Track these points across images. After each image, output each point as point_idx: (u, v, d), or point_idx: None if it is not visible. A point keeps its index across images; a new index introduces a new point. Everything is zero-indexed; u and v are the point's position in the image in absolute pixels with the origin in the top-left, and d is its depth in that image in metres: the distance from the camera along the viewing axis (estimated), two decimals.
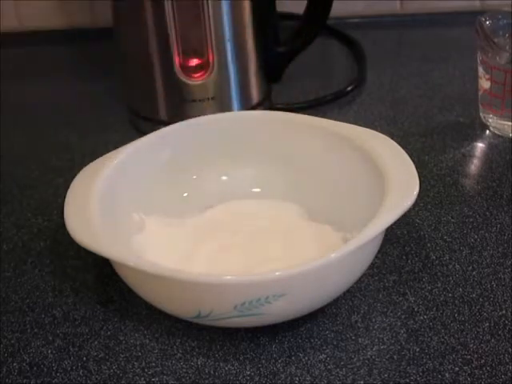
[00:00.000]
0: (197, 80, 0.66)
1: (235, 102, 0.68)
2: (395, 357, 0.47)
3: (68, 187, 0.51)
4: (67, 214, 0.48)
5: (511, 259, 0.53)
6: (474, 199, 0.60)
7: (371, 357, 0.47)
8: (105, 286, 0.53)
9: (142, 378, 0.46)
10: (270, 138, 0.57)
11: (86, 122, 0.73)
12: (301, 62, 0.72)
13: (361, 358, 0.47)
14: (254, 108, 0.69)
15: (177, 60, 0.65)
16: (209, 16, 0.63)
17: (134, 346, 0.48)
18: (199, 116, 0.58)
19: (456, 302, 0.50)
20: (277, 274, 0.43)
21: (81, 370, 0.47)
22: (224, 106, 0.67)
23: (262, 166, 0.58)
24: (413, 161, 0.50)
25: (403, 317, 0.49)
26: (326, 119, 0.57)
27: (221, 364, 0.47)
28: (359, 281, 0.51)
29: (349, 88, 0.74)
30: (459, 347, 0.47)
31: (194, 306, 0.45)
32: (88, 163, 0.54)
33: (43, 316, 0.51)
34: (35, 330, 0.50)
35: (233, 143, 0.58)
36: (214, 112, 0.63)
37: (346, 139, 0.54)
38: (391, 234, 0.55)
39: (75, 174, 0.52)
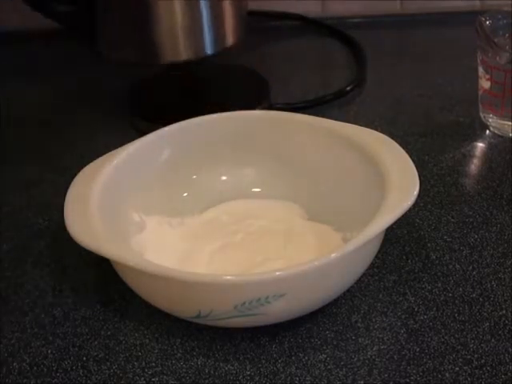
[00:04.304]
0: None
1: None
2: (395, 357, 0.47)
3: (68, 187, 0.51)
4: (67, 214, 0.48)
5: (511, 259, 0.53)
6: (474, 199, 0.59)
7: (371, 357, 0.47)
8: (105, 286, 0.53)
9: (142, 378, 0.46)
10: (270, 137, 0.57)
11: (86, 122, 0.73)
12: (301, 61, 0.72)
13: (361, 358, 0.47)
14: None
15: None
16: None
17: (134, 346, 0.48)
18: (199, 116, 0.58)
19: (456, 301, 0.50)
20: (277, 273, 0.43)
21: (81, 369, 0.47)
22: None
23: (262, 166, 0.58)
24: (413, 161, 0.50)
25: (403, 317, 0.49)
26: (325, 119, 0.57)
27: (221, 364, 0.47)
28: (359, 281, 0.51)
29: (349, 88, 0.74)
30: (459, 347, 0.47)
31: (194, 306, 0.45)
32: (88, 163, 0.54)
33: (43, 316, 0.51)
34: (35, 330, 0.50)
35: (233, 143, 0.58)
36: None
37: (345, 139, 0.54)
38: (391, 234, 0.55)
39: (75, 174, 0.52)
